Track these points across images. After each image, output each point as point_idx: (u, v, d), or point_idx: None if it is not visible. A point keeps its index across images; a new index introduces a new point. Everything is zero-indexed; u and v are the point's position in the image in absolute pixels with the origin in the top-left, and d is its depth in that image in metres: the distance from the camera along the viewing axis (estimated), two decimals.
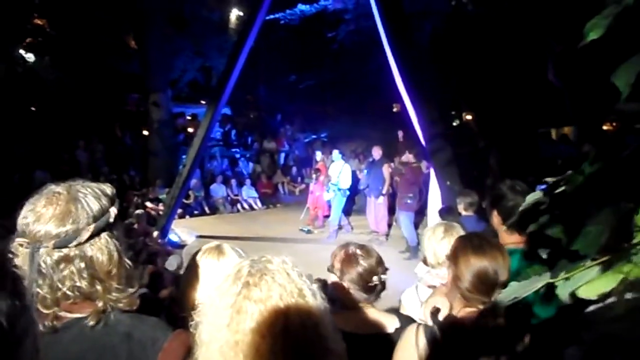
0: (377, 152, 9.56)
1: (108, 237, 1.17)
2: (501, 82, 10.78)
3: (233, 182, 14.18)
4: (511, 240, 2.24)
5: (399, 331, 1.88)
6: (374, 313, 1.97)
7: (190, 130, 16.45)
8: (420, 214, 8.64)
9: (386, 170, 9.28)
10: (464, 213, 5.19)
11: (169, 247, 8.34)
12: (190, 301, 1.52)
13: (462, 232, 2.45)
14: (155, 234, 8.35)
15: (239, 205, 13.77)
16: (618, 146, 0.99)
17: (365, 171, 10.36)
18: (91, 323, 1.13)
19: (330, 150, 11.49)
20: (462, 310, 1.69)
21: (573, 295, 0.90)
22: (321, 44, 13.59)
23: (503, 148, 11.19)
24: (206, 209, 13.10)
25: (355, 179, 10.22)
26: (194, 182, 12.01)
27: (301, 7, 12.84)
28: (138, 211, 9.24)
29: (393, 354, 1.71)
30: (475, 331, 1.60)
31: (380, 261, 2.02)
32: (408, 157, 8.71)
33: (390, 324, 1.94)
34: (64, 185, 1.18)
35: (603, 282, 0.88)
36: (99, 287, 1.15)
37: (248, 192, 14.07)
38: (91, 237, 1.13)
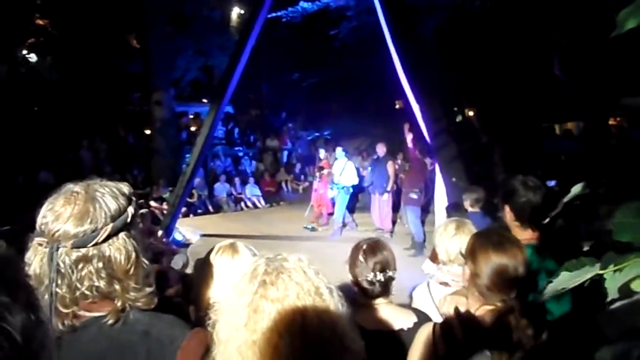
0: (381, 149, 9.55)
1: (126, 237, 1.17)
2: (504, 77, 10.74)
3: (236, 180, 14.20)
4: (524, 236, 2.23)
5: (417, 325, 1.88)
6: (393, 308, 1.98)
7: (193, 129, 16.47)
8: (426, 210, 8.62)
9: (390, 167, 9.27)
10: (470, 209, 5.19)
11: (174, 246, 8.34)
12: (205, 300, 1.52)
13: (473, 229, 2.44)
14: (160, 233, 8.36)
15: (242, 204, 13.79)
16: None
17: (370, 168, 10.35)
18: (110, 321, 1.13)
19: (333, 148, 11.48)
20: (481, 308, 1.68)
21: (622, 288, 0.88)
22: (323, 41, 13.54)
23: (506, 143, 11.16)
24: (210, 207, 13.13)
25: (358, 176, 10.21)
26: (197, 181, 12.02)
27: (303, 4, 12.77)
28: (142, 210, 9.24)
29: (409, 352, 1.70)
30: (494, 329, 1.59)
31: (393, 254, 2.06)
32: (413, 153, 8.69)
33: (409, 319, 1.94)
34: (82, 184, 1.18)
35: None
36: (117, 287, 1.15)
37: (251, 191, 14.08)
38: (109, 236, 1.13)
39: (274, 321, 0.94)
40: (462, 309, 1.74)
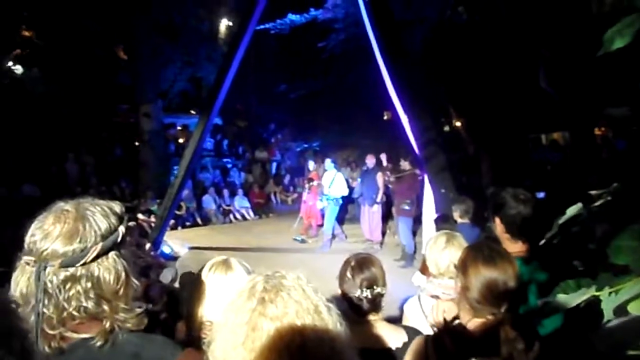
0: (370, 161, 9.57)
1: (116, 257, 1.15)
2: (491, 88, 10.87)
3: (225, 192, 14.13)
4: (515, 248, 2.23)
5: (407, 346, 1.87)
6: (383, 326, 1.96)
7: (181, 140, 16.39)
8: (417, 221, 8.65)
9: (380, 178, 9.29)
10: (459, 220, 5.21)
11: (162, 259, 8.26)
12: (197, 318, 1.49)
13: (464, 242, 2.45)
14: (148, 246, 8.28)
15: (231, 216, 13.72)
16: None
17: (359, 179, 10.36)
18: (98, 343, 1.10)
19: (322, 159, 11.49)
20: (472, 321, 1.68)
21: (618, 310, 0.88)
22: (312, 53, 13.63)
23: (494, 154, 11.27)
24: (198, 220, 13.04)
25: (348, 188, 10.21)
26: (185, 193, 11.95)
27: (291, 17, 12.88)
28: (129, 223, 9.14)
29: None
30: (485, 342, 1.59)
31: (383, 270, 2.06)
32: (404, 164, 8.72)
33: (399, 338, 1.92)
34: (72, 202, 1.16)
35: None
36: (105, 307, 1.12)
37: (240, 202, 14.01)
38: (98, 256, 1.11)
39: (273, 339, 0.93)
40: (450, 316, 1.74)
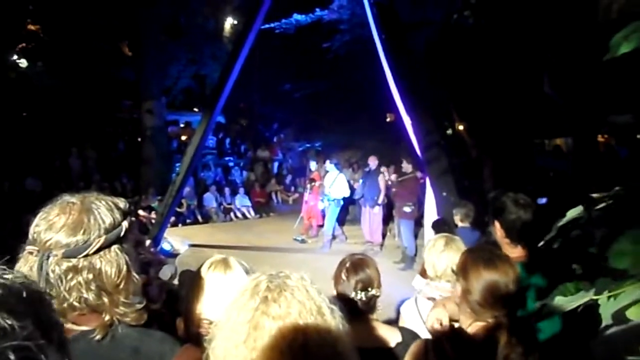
0: (373, 162, 9.57)
1: (118, 250, 1.16)
2: (495, 92, 10.85)
3: (226, 190, 14.13)
4: (514, 253, 2.24)
5: (400, 346, 1.87)
6: (378, 326, 1.97)
7: (183, 138, 16.41)
8: (418, 224, 8.64)
9: (382, 180, 9.29)
10: (460, 224, 5.22)
11: (162, 256, 8.27)
12: (196, 316, 1.50)
13: (462, 246, 2.45)
14: (148, 242, 8.28)
15: (232, 214, 13.72)
16: None
17: (361, 181, 10.37)
18: (98, 337, 1.11)
19: (324, 160, 11.50)
20: (473, 325, 1.68)
21: (616, 315, 0.88)
22: (316, 53, 13.63)
23: (496, 158, 11.25)
24: (199, 217, 13.05)
25: (349, 189, 10.22)
26: (187, 190, 11.96)
27: (297, 17, 12.88)
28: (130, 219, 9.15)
29: None
30: (485, 345, 1.59)
31: (379, 272, 2.06)
32: (406, 166, 8.71)
33: (393, 338, 1.92)
34: (78, 196, 1.17)
35: None
36: (105, 300, 1.13)
37: (241, 201, 14.02)
38: (101, 248, 1.12)
39: (275, 339, 0.92)
40: (446, 316, 1.74)
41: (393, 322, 2.70)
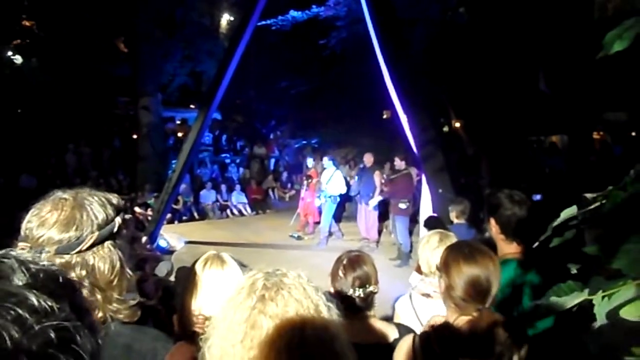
0: (368, 159, 9.57)
1: (111, 247, 1.15)
2: (491, 89, 10.87)
3: (223, 187, 14.11)
4: (509, 250, 2.25)
5: (397, 341, 1.88)
6: (375, 322, 1.98)
7: (180, 134, 16.37)
8: (414, 221, 8.65)
9: (377, 177, 9.29)
10: (456, 221, 5.23)
11: (158, 253, 8.25)
12: (191, 312, 1.49)
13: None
14: (144, 239, 8.26)
15: (228, 211, 13.71)
16: None
17: (357, 177, 10.36)
18: None
19: (321, 157, 11.49)
20: (458, 319, 1.70)
21: (610, 314, 0.89)
22: (313, 50, 13.62)
23: (492, 155, 11.29)
24: (195, 214, 13.03)
25: (346, 186, 10.22)
26: (183, 187, 11.93)
27: (293, 13, 12.86)
28: (126, 216, 9.13)
29: None
30: (471, 339, 1.61)
31: (375, 269, 2.07)
32: (399, 163, 8.73)
33: (390, 334, 1.93)
34: (70, 192, 1.16)
35: None
36: (99, 296, 1.12)
37: (238, 198, 14.01)
38: (94, 245, 1.11)
39: (272, 338, 0.91)
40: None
41: (389, 318, 2.71)
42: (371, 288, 1.99)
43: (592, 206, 0.99)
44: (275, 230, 11.29)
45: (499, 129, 11.16)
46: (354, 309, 1.96)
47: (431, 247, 2.49)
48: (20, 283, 0.43)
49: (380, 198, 9.15)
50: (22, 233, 1.12)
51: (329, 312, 0.98)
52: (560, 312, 1.04)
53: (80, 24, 13.18)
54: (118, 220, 1.18)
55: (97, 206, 1.14)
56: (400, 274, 6.50)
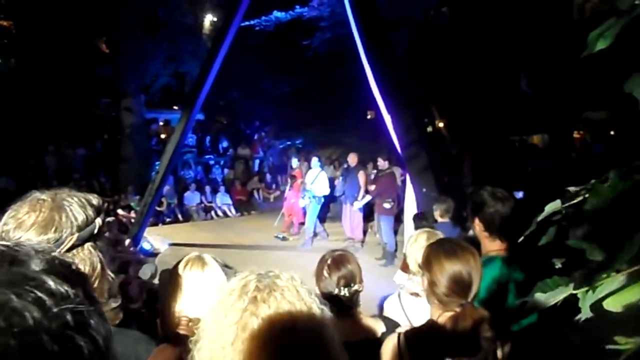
0: (352, 159, 9.60)
1: (92, 249, 1.12)
2: (474, 89, 10.99)
3: (207, 189, 14.02)
4: (493, 247, 2.26)
5: (385, 335, 1.89)
6: (362, 319, 1.98)
7: (163, 136, 16.22)
8: (398, 220, 8.70)
9: (362, 177, 9.31)
10: (440, 219, 5.27)
11: (142, 256, 8.16)
12: (174, 314, 1.47)
13: None
14: (127, 242, 8.17)
15: (212, 213, 13.62)
16: None
17: (341, 178, 10.38)
18: None
19: (305, 157, 11.48)
20: (442, 315, 1.71)
21: (594, 306, 0.90)
22: (296, 51, 13.61)
23: (475, 154, 11.41)
24: (179, 216, 12.93)
25: (330, 186, 10.23)
26: (167, 189, 11.82)
27: (277, 14, 12.84)
28: (109, 218, 9.02)
29: None
30: (455, 334, 1.62)
31: (360, 267, 2.07)
32: (382, 163, 8.77)
33: (378, 328, 1.94)
34: (49, 192, 1.13)
35: (630, 293, 0.88)
36: None
37: (222, 199, 13.92)
38: (73, 247, 1.09)
39: (264, 340, 0.89)
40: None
41: (373, 316, 2.72)
42: (356, 287, 2.00)
43: (576, 200, 1.00)
44: (260, 231, 11.25)
45: (481, 129, 11.28)
46: (339, 308, 1.96)
47: (419, 245, 2.50)
48: (37, 268, 0.45)
49: (368, 198, 9.13)
50: None
51: (322, 315, 0.96)
52: (544, 308, 1.05)
53: (60, 24, 12.96)
54: (98, 221, 1.15)
55: (77, 207, 1.12)
56: (385, 274, 6.52)
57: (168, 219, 12.55)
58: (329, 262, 2.04)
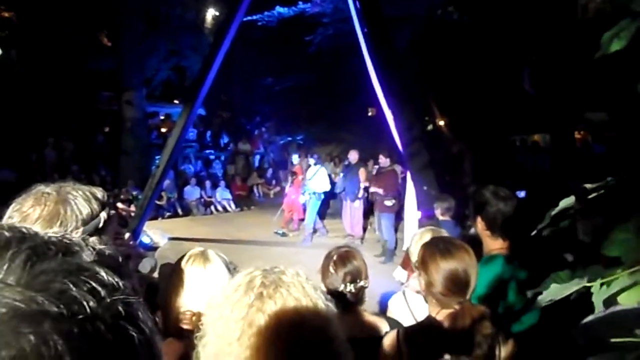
0: (353, 156, 9.59)
1: (97, 243, 1.12)
2: (476, 88, 10.97)
3: (207, 183, 14.02)
4: (495, 246, 2.27)
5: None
6: (366, 316, 1.99)
7: (163, 130, 16.20)
8: (398, 218, 8.69)
9: (362, 173, 9.31)
10: (441, 218, 5.27)
11: (141, 250, 8.15)
12: (175, 309, 1.47)
13: None
14: (127, 235, 8.15)
15: (212, 207, 13.62)
16: None
17: (342, 174, 10.38)
18: None
19: (306, 153, 11.48)
20: (440, 313, 1.72)
21: (607, 301, 0.90)
22: (298, 46, 13.58)
23: (476, 153, 11.39)
24: (179, 210, 12.92)
25: (330, 183, 10.22)
26: (167, 183, 11.81)
27: (279, 9, 12.83)
28: (110, 212, 9.01)
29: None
30: (453, 332, 1.63)
31: (365, 263, 2.08)
32: (383, 160, 8.76)
33: (382, 327, 1.95)
34: (53, 186, 1.13)
35: None
36: None
37: (222, 194, 13.92)
38: None
39: (270, 336, 0.90)
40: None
41: (376, 314, 2.72)
42: (362, 283, 2.00)
43: (590, 196, 1.00)
44: (259, 226, 11.25)
45: (483, 127, 11.27)
46: (345, 304, 1.96)
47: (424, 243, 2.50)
48: (89, 260, 0.46)
49: (379, 190, 8.94)
50: None
51: (328, 311, 0.96)
52: (545, 307, 1.05)
53: (62, 16, 12.92)
54: (103, 215, 1.15)
55: (82, 201, 1.11)
56: (385, 271, 6.51)
57: (168, 213, 12.55)
58: (334, 258, 2.04)
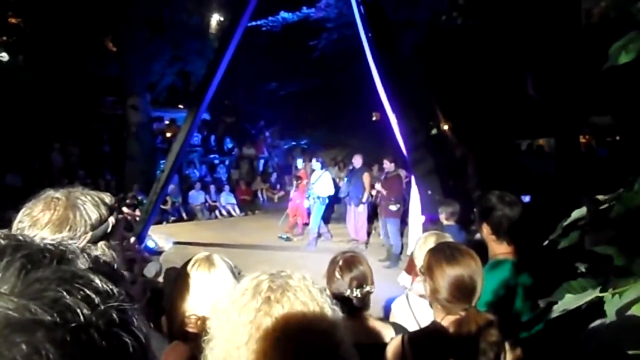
0: (357, 161, 9.58)
1: (105, 247, 1.13)
2: (480, 93, 10.97)
3: (212, 188, 14.04)
4: (500, 250, 2.26)
5: None
6: (372, 322, 1.98)
7: (168, 135, 16.25)
8: (403, 222, 8.67)
9: (366, 178, 9.30)
10: (445, 222, 5.26)
11: (146, 254, 8.17)
12: (181, 313, 1.48)
13: None
14: (132, 240, 8.17)
15: (217, 212, 13.64)
16: None
17: (346, 179, 10.37)
18: None
19: (310, 158, 11.49)
20: (445, 319, 1.71)
21: (620, 311, 0.90)
22: (303, 51, 13.63)
23: (480, 158, 11.38)
24: (184, 215, 12.94)
25: (335, 187, 10.21)
26: (171, 187, 11.85)
27: (284, 14, 12.90)
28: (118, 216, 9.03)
29: None
30: (458, 338, 1.62)
31: (371, 268, 2.07)
32: (388, 165, 8.75)
33: (387, 333, 1.94)
34: (63, 191, 1.14)
35: None
36: None
37: (226, 199, 13.94)
38: (87, 245, 1.09)
39: (278, 340, 0.90)
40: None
41: (380, 319, 2.72)
42: (368, 288, 2.00)
43: (602, 207, 0.99)
44: (264, 231, 11.25)
45: (487, 132, 11.25)
46: (351, 309, 1.96)
47: (428, 247, 2.49)
48: (84, 267, 0.46)
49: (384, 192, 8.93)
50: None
51: (334, 315, 0.97)
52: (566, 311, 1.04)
53: (68, 22, 13.02)
54: (112, 220, 1.16)
55: (91, 206, 1.12)
56: (389, 275, 6.49)
57: (172, 218, 12.58)
58: (340, 263, 2.03)
